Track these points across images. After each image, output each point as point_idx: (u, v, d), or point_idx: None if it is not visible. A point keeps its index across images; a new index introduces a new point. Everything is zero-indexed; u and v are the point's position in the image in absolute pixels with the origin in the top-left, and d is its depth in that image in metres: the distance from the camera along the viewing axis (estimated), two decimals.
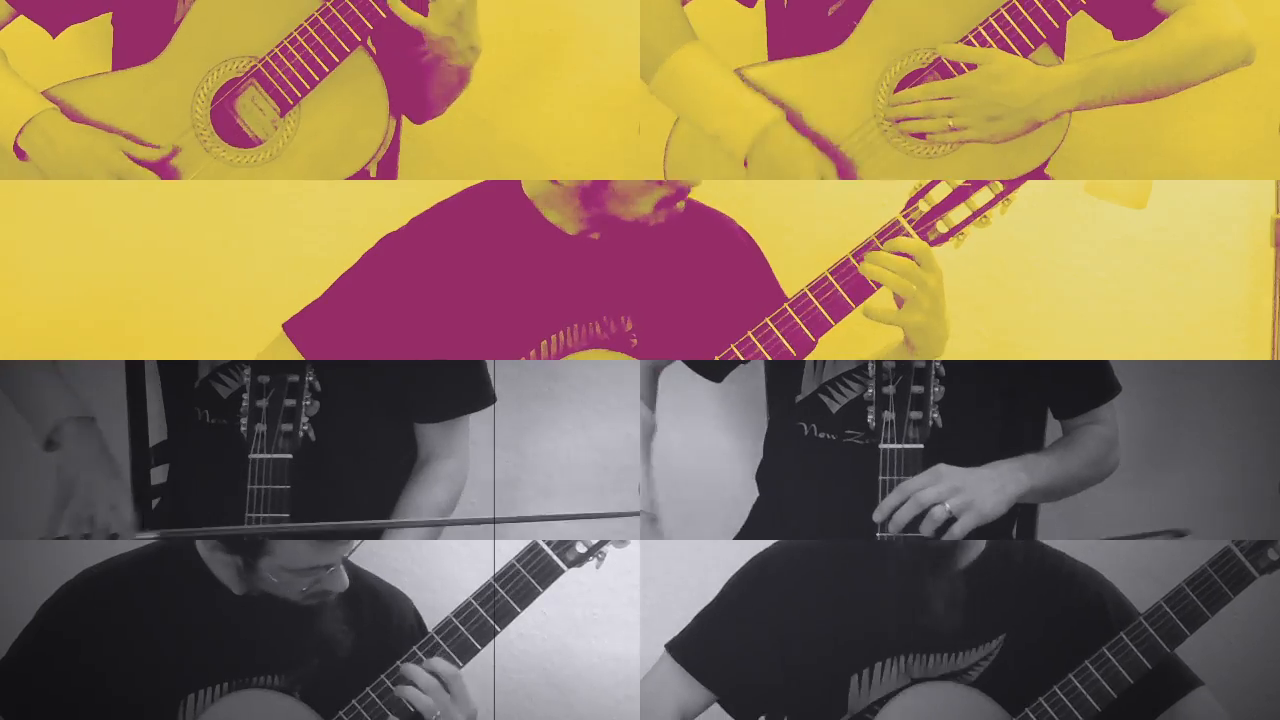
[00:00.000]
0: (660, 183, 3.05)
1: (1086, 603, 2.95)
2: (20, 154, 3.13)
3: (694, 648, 3.01)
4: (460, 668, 2.87)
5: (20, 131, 3.12)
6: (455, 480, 3.25)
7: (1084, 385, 3.14)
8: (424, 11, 3.11)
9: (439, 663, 2.85)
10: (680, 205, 3.09)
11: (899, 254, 2.97)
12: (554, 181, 3.07)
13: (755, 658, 2.97)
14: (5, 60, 3.18)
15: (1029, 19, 3.06)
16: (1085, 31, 3.19)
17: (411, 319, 3.11)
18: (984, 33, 3.08)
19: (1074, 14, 3.07)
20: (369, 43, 3.13)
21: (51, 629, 2.91)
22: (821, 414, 3.13)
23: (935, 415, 2.93)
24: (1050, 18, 3.06)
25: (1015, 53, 3.06)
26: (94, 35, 3.27)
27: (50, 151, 3.12)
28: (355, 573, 2.95)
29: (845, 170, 3.14)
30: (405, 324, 3.11)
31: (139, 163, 3.12)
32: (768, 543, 3.08)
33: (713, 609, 3.01)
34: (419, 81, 3.21)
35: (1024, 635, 2.92)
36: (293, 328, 3.14)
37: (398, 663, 2.85)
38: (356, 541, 2.91)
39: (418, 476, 3.23)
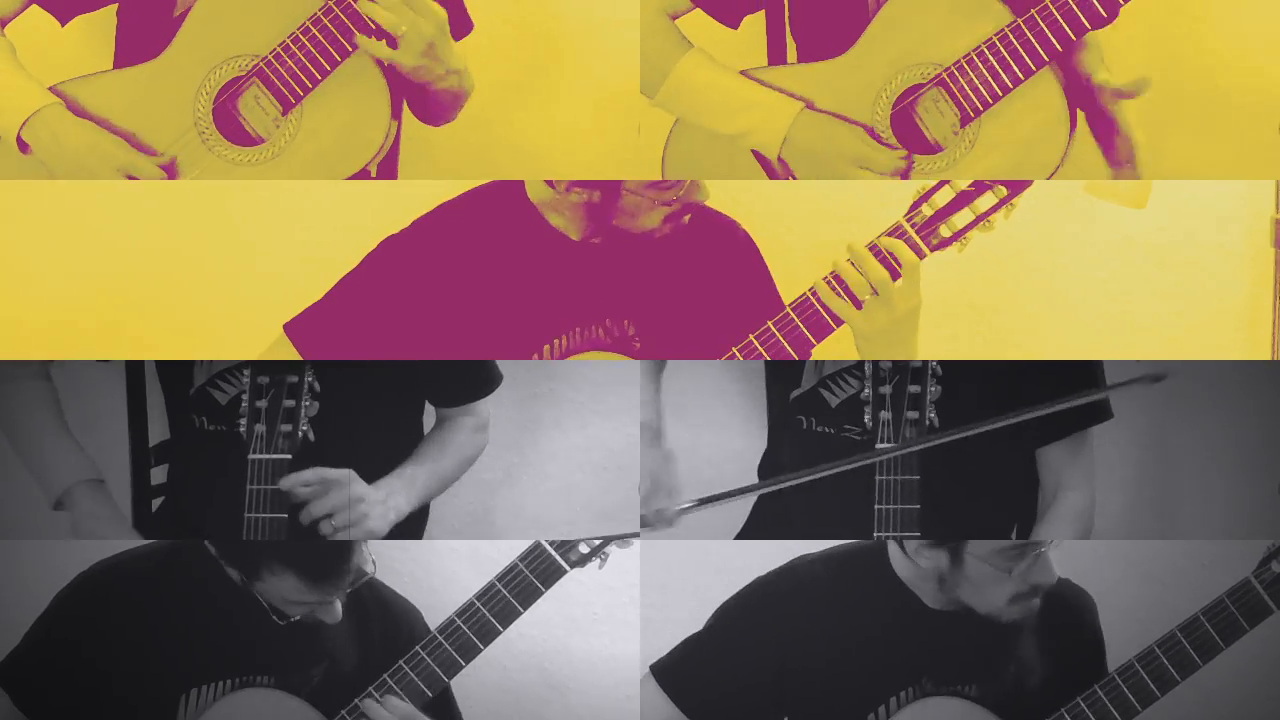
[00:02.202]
0: (669, 202, 3.05)
1: (1084, 628, 2.95)
2: (23, 146, 3.13)
3: (678, 675, 2.98)
4: (442, 688, 2.87)
5: (24, 124, 3.12)
6: (477, 432, 3.27)
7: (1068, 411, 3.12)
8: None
9: (397, 703, 2.85)
10: (687, 219, 3.09)
11: (890, 254, 2.97)
12: (563, 186, 3.06)
13: (745, 690, 2.95)
14: (13, 53, 3.18)
15: (1033, 41, 3.06)
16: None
17: (413, 321, 3.11)
18: (986, 52, 3.08)
19: (1078, 38, 3.07)
20: None
21: (64, 620, 2.90)
22: (820, 408, 3.13)
23: (932, 415, 2.93)
24: (1054, 40, 3.06)
25: (1018, 75, 3.07)
26: (99, 30, 3.28)
27: (55, 146, 3.12)
28: (372, 586, 2.94)
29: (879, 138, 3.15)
30: (406, 326, 3.11)
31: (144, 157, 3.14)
32: (766, 543, 3.08)
33: (701, 638, 2.99)
34: (420, 93, 3.22)
35: (1031, 662, 2.91)
36: (294, 329, 3.13)
37: (399, 662, 2.85)
38: (363, 576, 2.90)
39: (440, 429, 3.26)
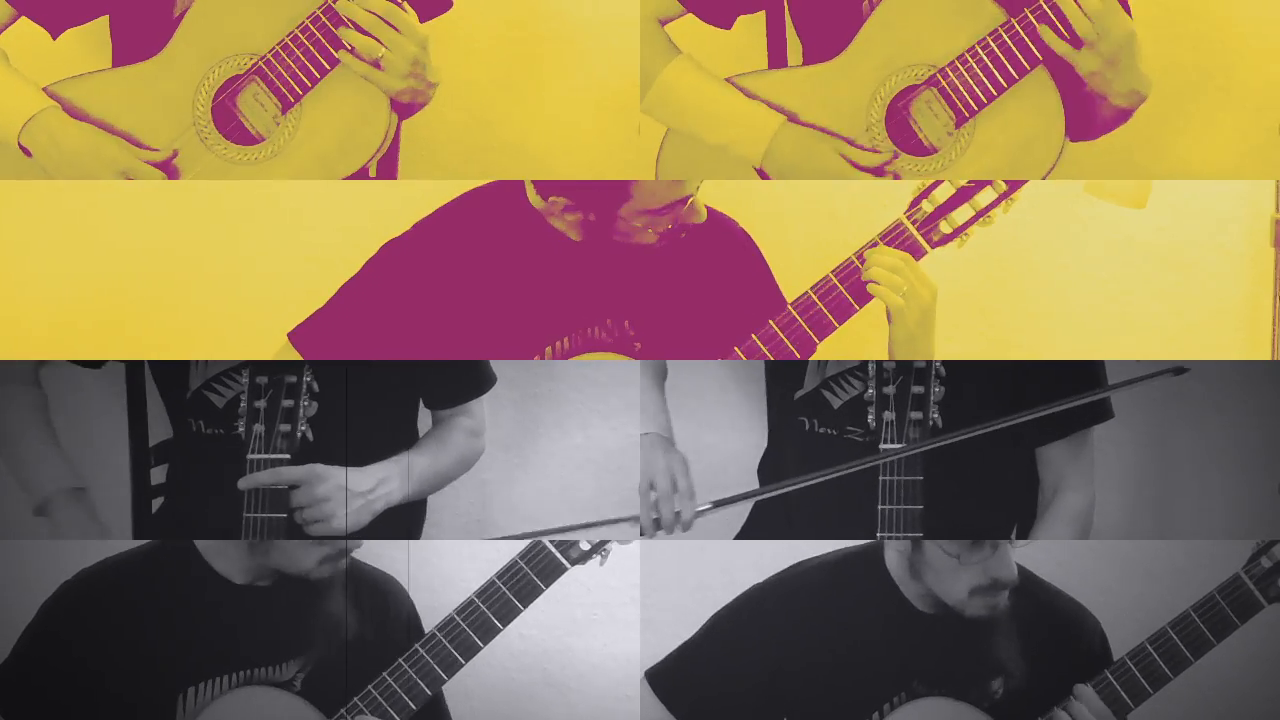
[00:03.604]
0: (669, 227, 3.05)
1: (1080, 641, 2.95)
2: (24, 151, 3.13)
3: (672, 681, 2.99)
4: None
5: (23, 129, 3.12)
6: (473, 436, 3.27)
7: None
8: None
9: None
10: (683, 235, 3.09)
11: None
12: (559, 206, 3.06)
13: (739, 698, 2.95)
14: (6, 59, 3.18)
15: (1027, 41, 3.06)
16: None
17: (417, 325, 3.11)
18: (980, 52, 3.08)
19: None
20: None
21: (52, 628, 2.92)
22: (823, 409, 3.13)
23: (935, 415, 2.93)
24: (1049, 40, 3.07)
25: (1013, 75, 3.07)
26: (95, 33, 3.27)
27: (54, 150, 3.12)
28: (353, 564, 2.96)
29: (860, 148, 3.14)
30: (410, 330, 3.11)
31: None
32: (766, 543, 3.08)
33: (694, 645, 3.00)
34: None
35: (1021, 673, 2.91)
36: (298, 337, 3.13)
37: (399, 660, 2.86)
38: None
39: (436, 427, 3.26)
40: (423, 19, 3.15)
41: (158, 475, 3.37)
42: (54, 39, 3.23)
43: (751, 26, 3.36)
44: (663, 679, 2.99)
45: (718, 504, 3.04)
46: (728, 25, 3.29)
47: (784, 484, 3.05)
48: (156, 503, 3.37)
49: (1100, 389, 3.05)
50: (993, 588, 2.84)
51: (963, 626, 2.88)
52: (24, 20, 3.21)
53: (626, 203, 3.02)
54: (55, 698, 2.90)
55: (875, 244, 3.00)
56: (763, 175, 3.17)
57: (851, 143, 3.13)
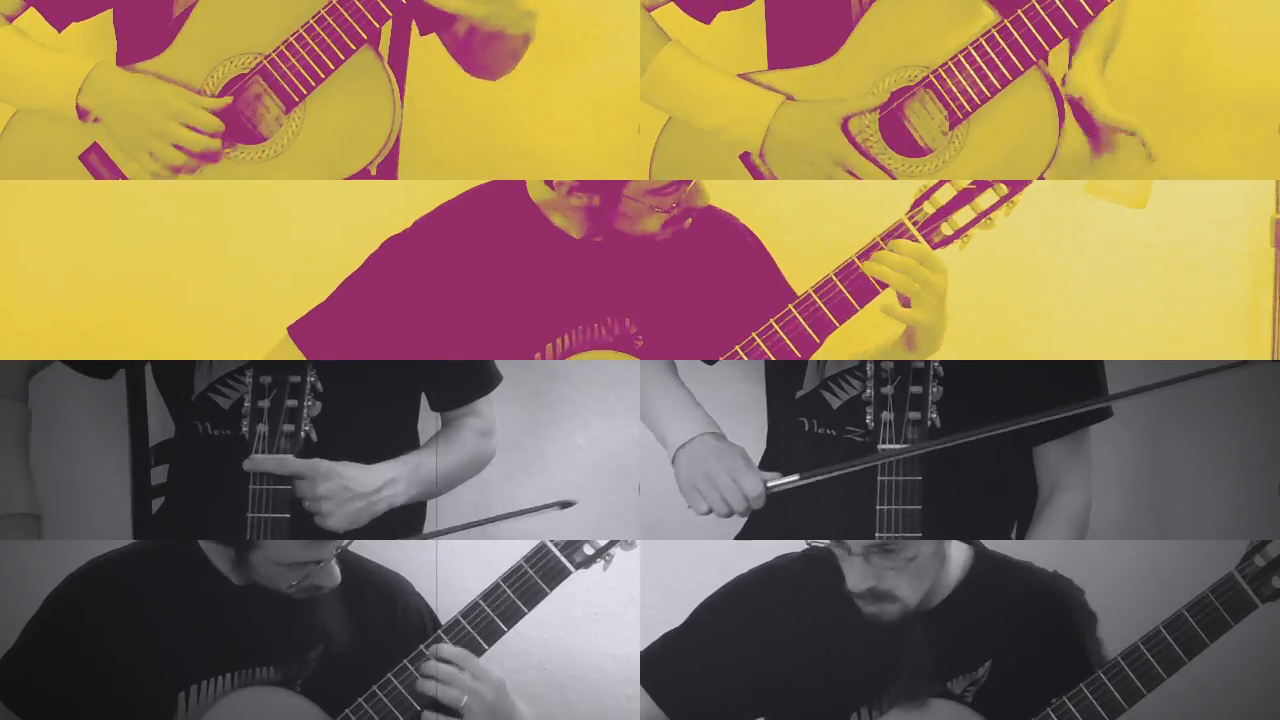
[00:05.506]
0: (669, 209, 3.05)
1: (1056, 620, 2.95)
2: (83, 114, 3.13)
3: (654, 670, 3.00)
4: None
5: (80, 90, 3.11)
6: (483, 436, 3.28)
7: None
8: None
9: (447, 649, 2.85)
10: (688, 223, 3.09)
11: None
12: (564, 190, 3.06)
13: (722, 687, 2.96)
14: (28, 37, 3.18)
15: (1020, 41, 3.07)
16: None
17: (416, 321, 3.11)
18: (974, 53, 3.09)
19: (1065, 38, 3.08)
20: (378, 43, 3.16)
21: (56, 621, 2.92)
22: (822, 410, 3.13)
23: (934, 415, 2.93)
24: (1041, 40, 3.07)
25: (1006, 75, 3.07)
26: (98, 33, 3.27)
27: (108, 98, 3.10)
28: (358, 562, 2.97)
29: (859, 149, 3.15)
30: (410, 326, 3.12)
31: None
32: (766, 543, 3.08)
33: (678, 634, 3.01)
34: (479, 50, 3.24)
35: (1007, 659, 2.91)
36: (298, 331, 3.14)
37: (404, 661, 2.86)
38: (346, 540, 2.92)
39: (446, 429, 3.27)
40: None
41: (158, 475, 3.37)
42: (59, 32, 3.23)
43: (741, 31, 3.36)
44: (645, 668, 3.00)
45: (804, 477, 3.01)
46: (708, 20, 3.29)
47: (867, 459, 2.98)
48: (157, 503, 3.37)
49: (1102, 398, 3.05)
50: (871, 596, 2.86)
51: (937, 621, 2.89)
52: (26, 19, 3.21)
53: (632, 182, 3.03)
54: (58, 690, 2.90)
55: (877, 244, 3.00)
56: (755, 174, 3.17)
57: (851, 134, 3.14)
